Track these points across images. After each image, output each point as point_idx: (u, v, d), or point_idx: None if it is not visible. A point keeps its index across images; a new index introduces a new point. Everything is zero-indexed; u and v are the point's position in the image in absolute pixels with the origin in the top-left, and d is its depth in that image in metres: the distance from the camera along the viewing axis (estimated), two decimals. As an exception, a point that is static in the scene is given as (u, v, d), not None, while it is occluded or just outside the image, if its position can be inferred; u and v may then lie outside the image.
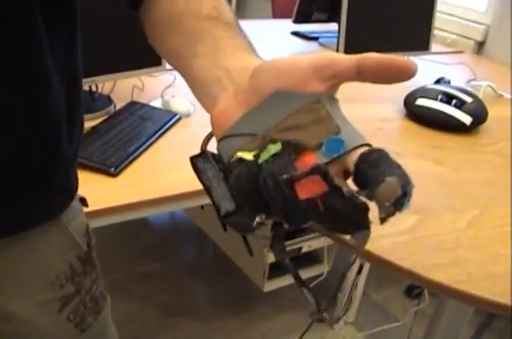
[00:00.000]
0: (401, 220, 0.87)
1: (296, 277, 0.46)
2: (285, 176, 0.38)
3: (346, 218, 0.38)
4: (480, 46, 2.44)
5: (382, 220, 0.37)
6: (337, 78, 0.40)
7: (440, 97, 1.26)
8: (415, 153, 1.10)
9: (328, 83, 0.40)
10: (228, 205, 0.41)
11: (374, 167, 0.37)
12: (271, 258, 1.80)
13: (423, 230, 0.85)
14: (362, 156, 0.37)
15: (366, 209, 0.37)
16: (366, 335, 1.96)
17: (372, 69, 0.38)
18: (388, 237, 0.82)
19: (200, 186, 1.13)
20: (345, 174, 0.40)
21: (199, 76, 0.48)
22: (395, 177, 0.36)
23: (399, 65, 0.37)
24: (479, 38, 2.41)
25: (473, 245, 0.84)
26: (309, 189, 0.38)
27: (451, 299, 1.19)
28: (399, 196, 0.35)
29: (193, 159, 0.45)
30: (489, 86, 1.50)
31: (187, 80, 0.50)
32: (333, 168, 0.39)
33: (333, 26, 2.05)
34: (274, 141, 0.40)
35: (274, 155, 0.40)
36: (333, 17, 2.13)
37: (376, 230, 0.82)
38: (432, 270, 0.76)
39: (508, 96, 1.66)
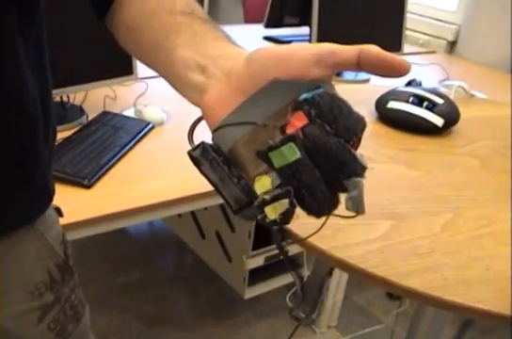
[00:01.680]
0: (375, 227, 0.86)
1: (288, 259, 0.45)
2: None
3: (331, 153, 0.38)
4: (452, 46, 2.45)
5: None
6: (337, 67, 0.41)
7: (411, 99, 1.25)
8: (388, 158, 1.09)
9: (327, 71, 0.41)
10: (240, 199, 0.41)
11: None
12: (250, 265, 1.79)
13: (396, 236, 0.84)
14: None
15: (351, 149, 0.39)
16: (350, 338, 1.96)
17: (370, 63, 0.40)
18: (361, 245, 0.81)
19: (174, 196, 1.10)
20: None
21: (181, 66, 0.47)
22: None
23: (393, 65, 0.40)
24: (451, 37, 2.43)
25: (448, 249, 0.83)
26: (294, 126, 0.39)
27: (428, 306, 1.18)
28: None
29: (192, 153, 0.43)
30: (461, 86, 1.50)
31: (167, 72, 0.50)
32: None
33: (305, 30, 2.05)
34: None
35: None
36: (305, 21, 2.13)
37: (350, 238, 0.81)
38: (406, 277, 0.75)
39: (480, 95, 1.67)
